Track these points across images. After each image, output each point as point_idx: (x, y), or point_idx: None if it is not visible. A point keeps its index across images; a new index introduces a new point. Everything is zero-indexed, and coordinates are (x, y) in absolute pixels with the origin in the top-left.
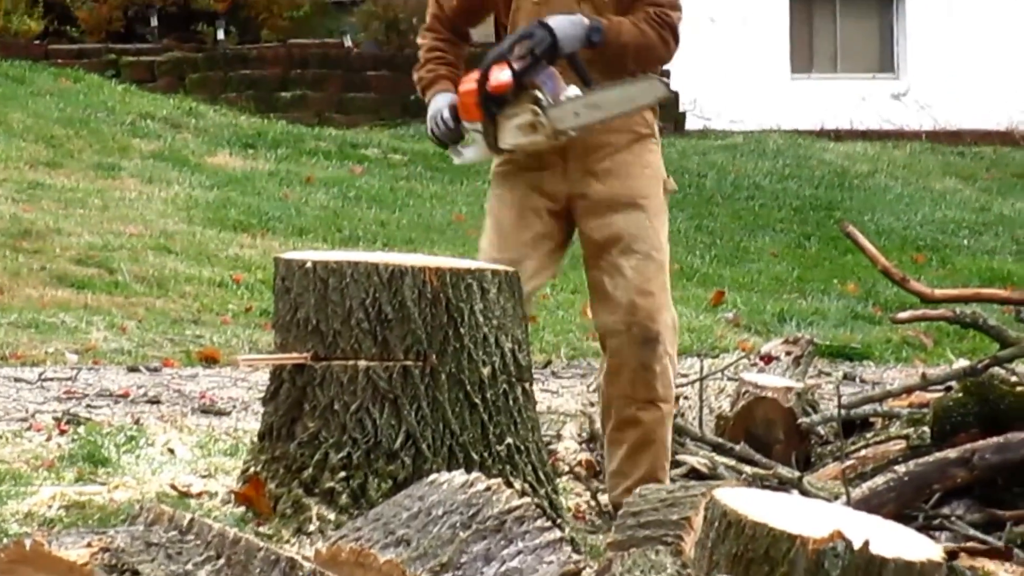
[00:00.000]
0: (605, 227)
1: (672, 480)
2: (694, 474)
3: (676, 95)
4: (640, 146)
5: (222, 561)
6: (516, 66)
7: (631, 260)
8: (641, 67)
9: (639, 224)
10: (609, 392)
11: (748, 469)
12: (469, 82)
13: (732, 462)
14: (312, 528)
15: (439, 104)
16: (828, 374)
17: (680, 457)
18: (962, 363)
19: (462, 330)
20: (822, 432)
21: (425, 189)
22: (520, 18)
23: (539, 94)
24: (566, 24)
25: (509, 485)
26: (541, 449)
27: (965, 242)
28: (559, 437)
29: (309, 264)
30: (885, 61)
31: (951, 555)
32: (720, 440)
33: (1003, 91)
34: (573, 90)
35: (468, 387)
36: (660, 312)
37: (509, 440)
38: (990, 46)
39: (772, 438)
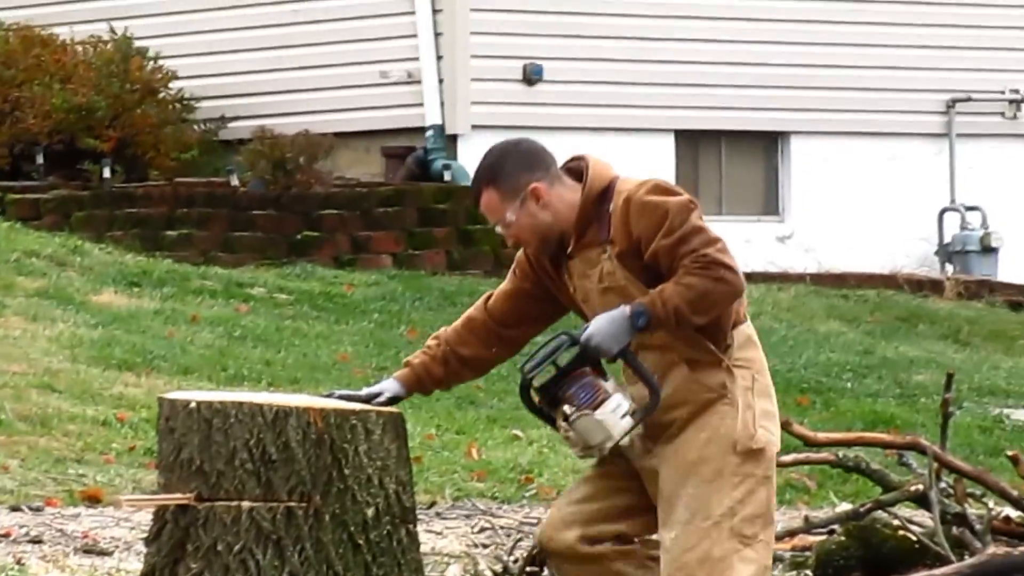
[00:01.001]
0: (657, 497)
1: None
2: None
3: None
4: (705, 415)
5: None
6: (536, 382)
7: (671, 532)
8: (709, 315)
9: (685, 492)
10: None
11: None
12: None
13: None
14: None
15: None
16: None
17: None
18: (845, 507)
19: (346, 471)
20: None
21: (311, 328)
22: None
23: (568, 408)
24: (604, 324)
25: None
26: None
27: (849, 385)
28: None
29: (193, 404)
30: (770, 204)
31: None
32: None
33: (887, 235)
34: (615, 401)
35: (352, 528)
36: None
37: None
38: (872, 191)
39: None
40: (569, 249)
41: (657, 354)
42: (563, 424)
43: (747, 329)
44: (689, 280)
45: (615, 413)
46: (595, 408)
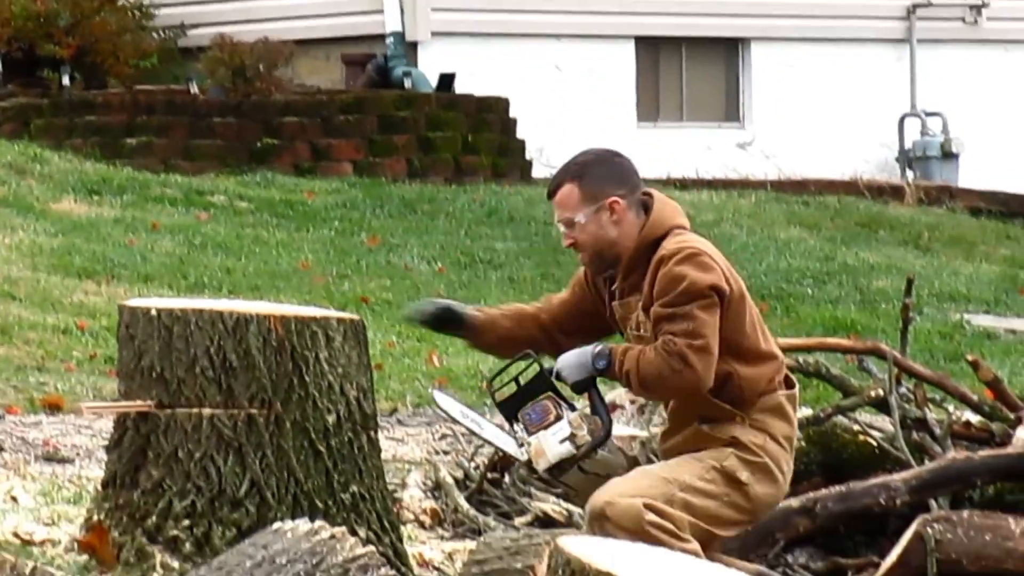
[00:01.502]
0: None
1: (517, 528)
2: (541, 522)
3: (523, 142)
4: (706, 448)
5: None
6: (498, 396)
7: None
8: (653, 396)
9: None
10: None
11: None
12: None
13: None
14: None
15: None
16: None
17: (532, 504)
18: (805, 412)
19: (307, 378)
20: None
21: (271, 236)
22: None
23: (518, 426)
24: (571, 357)
25: (353, 533)
26: (386, 497)
27: (809, 291)
28: (404, 485)
29: (154, 312)
30: (731, 111)
31: None
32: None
33: (847, 141)
34: (558, 427)
35: (313, 435)
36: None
37: (354, 488)
38: (833, 96)
39: None
40: (614, 286)
41: (673, 408)
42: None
43: (778, 399)
44: (651, 356)
45: (555, 437)
46: (538, 430)
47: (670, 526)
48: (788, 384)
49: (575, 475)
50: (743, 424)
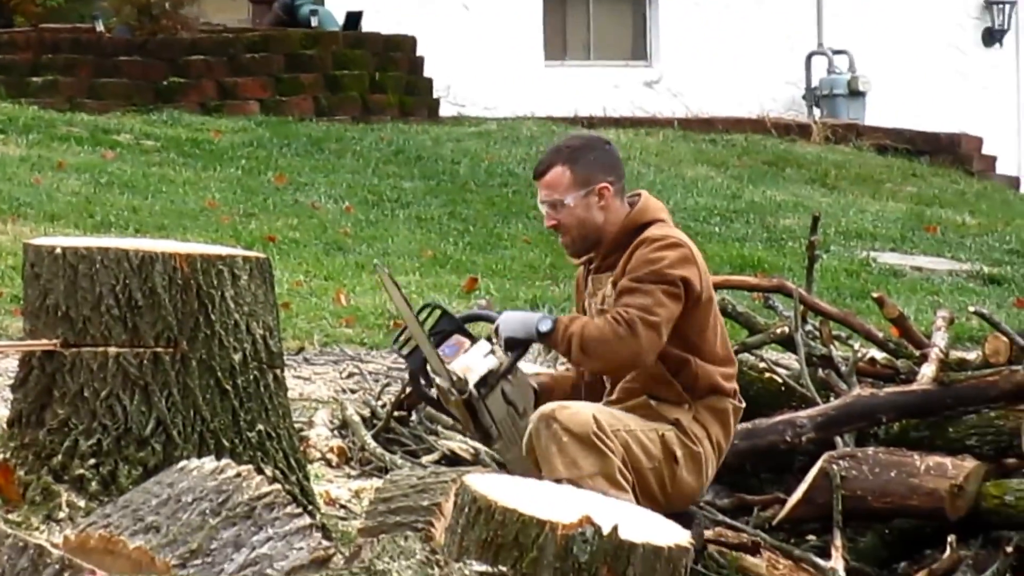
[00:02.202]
0: None
1: (424, 466)
2: (448, 460)
3: (430, 81)
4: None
5: None
6: (405, 351)
7: None
8: (591, 365)
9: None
10: None
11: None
12: None
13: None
14: (62, 515)
15: None
16: None
17: (439, 442)
18: None
19: (213, 316)
20: None
21: (178, 175)
22: None
23: (438, 354)
24: (515, 316)
25: (260, 472)
26: (293, 436)
27: (716, 229)
28: (311, 424)
29: (59, 250)
30: (638, 49)
31: (701, 548)
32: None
33: (754, 79)
34: (478, 348)
35: (219, 373)
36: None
37: (260, 427)
38: (740, 35)
39: None
40: (594, 264)
41: (624, 385)
42: (439, 383)
43: (726, 404)
44: (599, 323)
45: (478, 352)
46: (457, 356)
47: (610, 445)
48: (738, 399)
49: (497, 403)
50: (688, 412)
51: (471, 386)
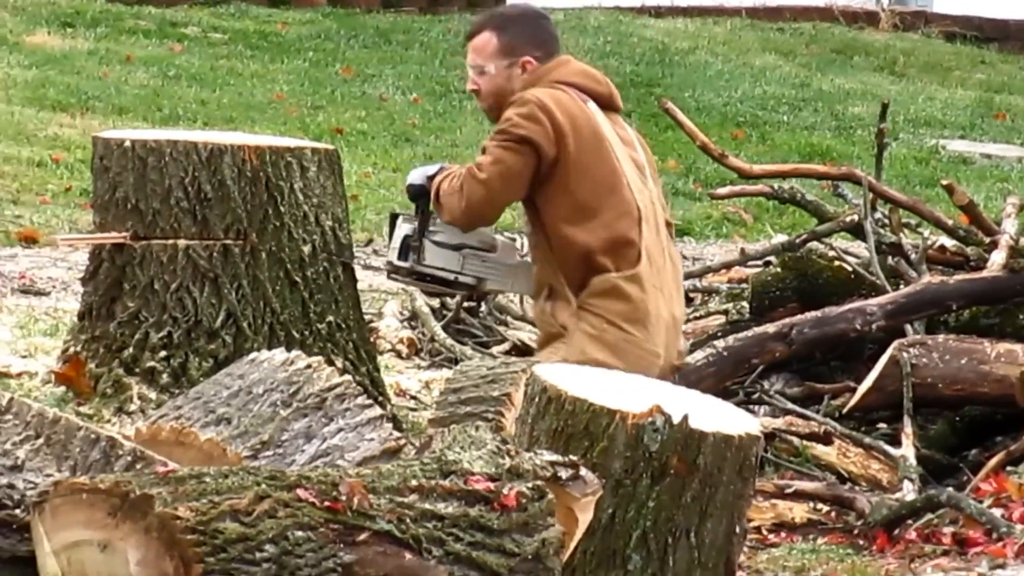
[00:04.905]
0: None
1: (494, 356)
2: (517, 350)
3: None
4: (546, 349)
5: (41, 441)
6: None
7: None
8: (446, 216)
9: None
10: None
11: None
12: None
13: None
14: (133, 407)
15: None
16: None
17: (508, 332)
18: (780, 238)
19: (282, 208)
20: None
21: (245, 68)
22: None
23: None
24: (418, 167)
25: (330, 363)
26: (362, 327)
27: (784, 118)
28: (381, 316)
29: (128, 143)
30: None
31: (770, 436)
32: None
33: None
34: (399, 228)
35: (288, 265)
36: None
37: (330, 318)
38: None
39: None
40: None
41: (535, 273)
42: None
43: (616, 280)
44: (453, 179)
45: (398, 231)
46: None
47: None
48: (632, 263)
49: (437, 254)
50: (575, 313)
51: (393, 260)
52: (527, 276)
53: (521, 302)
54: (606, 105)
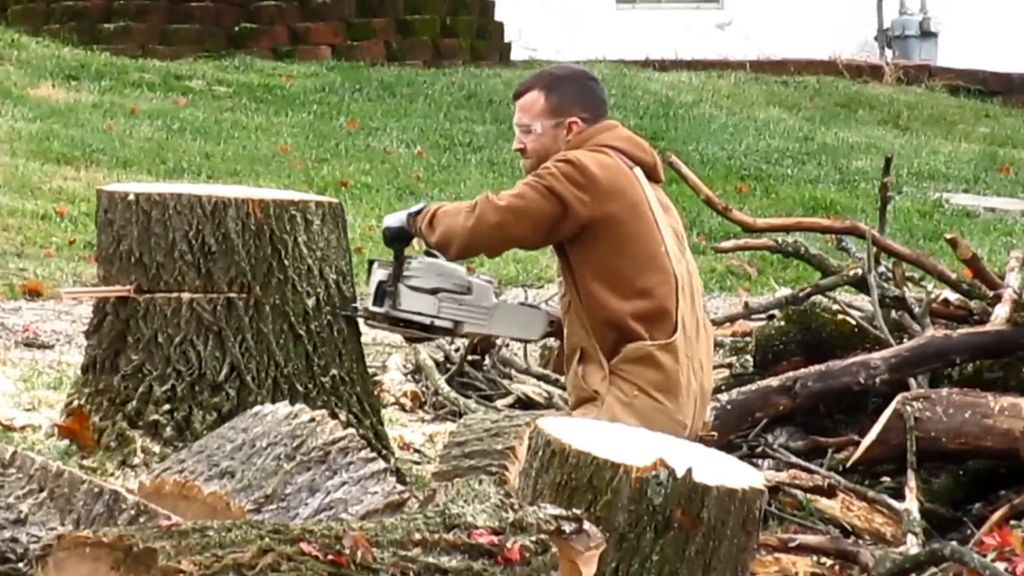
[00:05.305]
0: None
1: (498, 410)
2: (521, 404)
3: (501, 25)
4: (579, 411)
5: (45, 494)
6: (385, 314)
7: None
8: (433, 236)
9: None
10: None
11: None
12: None
13: (560, 392)
14: (136, 461)
15: None
16: None
17: (512, 386)
18: (784, 292)
19: (286, 261)
20: None
21: (250, 121)
22: None
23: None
24: (392, 213)
25: (334, 416)
26: (366, 380)
27: (788, 171)
28: (385, 368)
29: (132, 196)
30: None
31: (774, 489)
32: (544, 371)
33: (826, 20)
34: (375, 274)
35: (292, 318)
36: None
37: (334, 371)
38: None
39: None
40: None
41: (566, 335)
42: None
43: (650, 348)
44: (463, 206)
45: (373, 277)
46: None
47: None
48: (664, 335)
49: (412, 299)
50: (604, 380)
51: (368, 306)
52: (504, 318)
53: (525, 356)
54: (649, 175)
